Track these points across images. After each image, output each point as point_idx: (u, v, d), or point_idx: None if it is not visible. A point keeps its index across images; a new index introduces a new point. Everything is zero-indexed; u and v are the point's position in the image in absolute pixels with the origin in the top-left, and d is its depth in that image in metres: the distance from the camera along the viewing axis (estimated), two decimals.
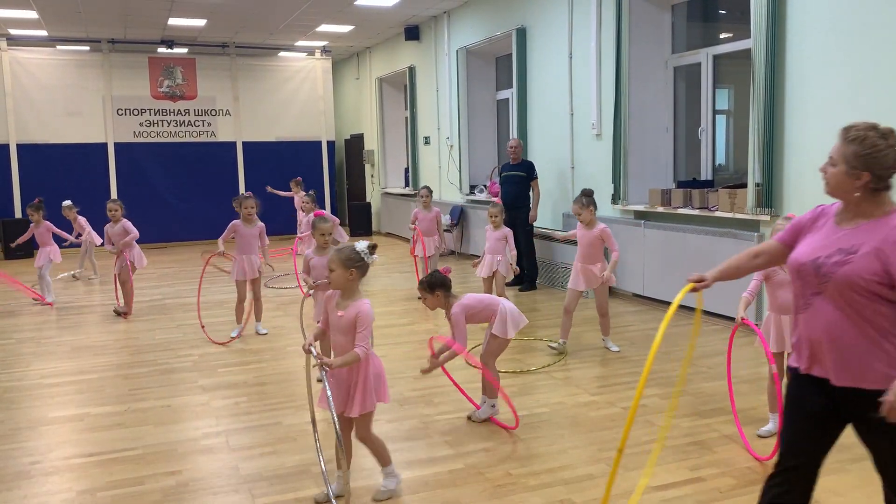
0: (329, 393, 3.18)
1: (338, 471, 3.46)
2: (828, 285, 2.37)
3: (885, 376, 2.30)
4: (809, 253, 2.45)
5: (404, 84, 14.12)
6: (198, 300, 7.27)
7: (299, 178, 12.70)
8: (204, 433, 4.39)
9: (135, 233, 7.81)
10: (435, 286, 4.25)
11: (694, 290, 2.80)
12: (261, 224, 6.90)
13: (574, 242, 6.15)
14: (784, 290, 4.03)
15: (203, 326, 6.79)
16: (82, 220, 10.15)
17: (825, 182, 2.46)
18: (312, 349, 3.28)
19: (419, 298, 4.46)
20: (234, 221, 6.80)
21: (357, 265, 3.34)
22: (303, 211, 9.63)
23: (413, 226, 8.53)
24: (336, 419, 3.12)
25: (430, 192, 8.74)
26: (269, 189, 12.92)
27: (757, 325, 4.20)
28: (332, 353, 3.43)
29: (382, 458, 3.53)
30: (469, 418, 4.51)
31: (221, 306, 8.01)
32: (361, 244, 3.41)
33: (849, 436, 4.11)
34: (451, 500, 3.49)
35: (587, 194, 6.01)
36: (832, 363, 2.39)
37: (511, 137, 9.89)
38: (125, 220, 7.85)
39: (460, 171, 11.79)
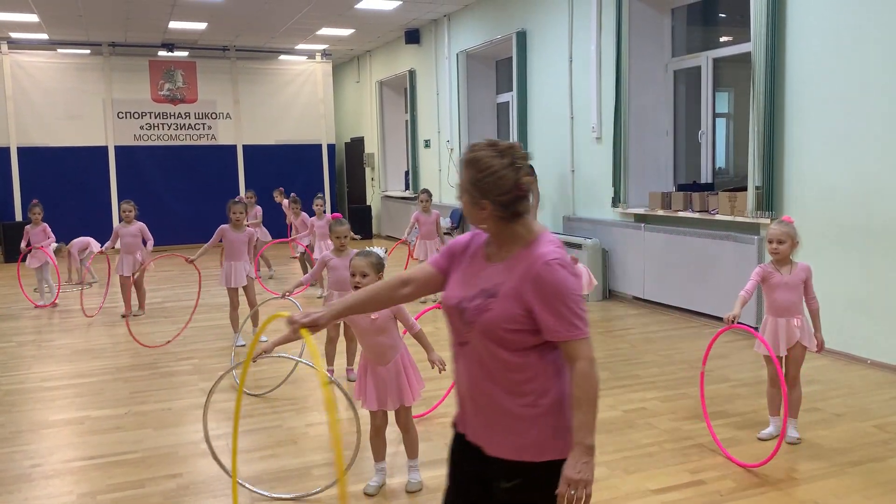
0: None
1: (378, 463, 3.67)
2: (471, 334, 1.97)
3: (536, 446, 1.94)
4: (455, 293, 2.06)
5: (404, 87, 14.13)
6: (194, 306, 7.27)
7: (280, 188, 12.68)
8: (204, 437, 4.38)
9: (151, 240, 7.96)
10: (381, 268, 4.36)
11: (298, 328, 2.11)
12: (250, 230, 6.82)
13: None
14: (781, 293, 4.03)
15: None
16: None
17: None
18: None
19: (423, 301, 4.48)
20: (222, 226, 6.75)
21: (381, 269, 3.60)
22: (293, 214, 9.81)
23: (406, 237, 8.66)
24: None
25: (430, 195, 8.75)
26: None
27: (756, 328, 4.20)
28: (371, 355, 3.57)
29: (415, 449, 3.72)
30: None
31: (220, 309, 8.00)
32: (380, 249, 3.66)
33: (846, 440, 4.12)
34: None
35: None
36: (480, 428, 2.01)
37: (511, 140, 9.89)
38: (140, 222, 7.91)
39: (460, 175, 11.78)
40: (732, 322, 3.86)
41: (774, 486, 3.57)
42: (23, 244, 8.88)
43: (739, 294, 4.01)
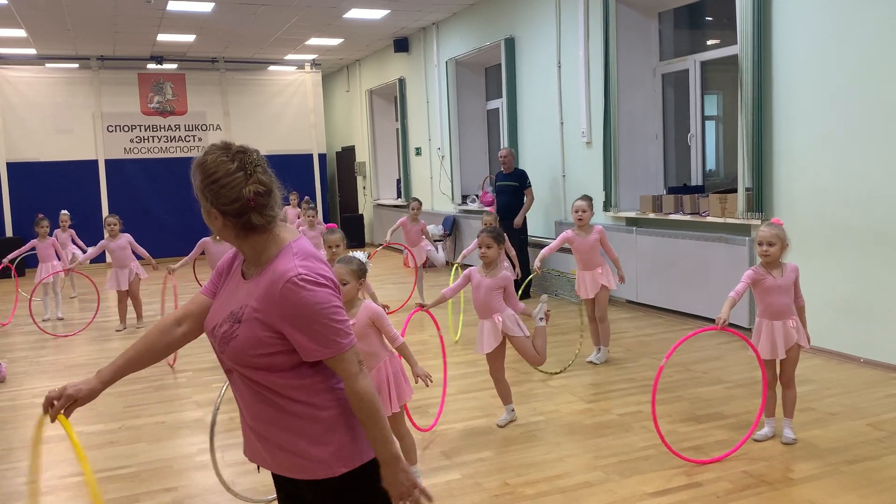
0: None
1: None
2: (230, 363, 1.86)
3: (325, 463, 1.84)
4: (211, 318, 1.92)
5: (394, 96, 14.16)
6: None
7: (294, 192, 12.81)
8: (199, 449, 4.37)
9: (145, 252, 8.00)
10: (502, 238, 4.54)
11: (54, 416, 1.90)
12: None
13: (567, 251, 6.14)
14: (775, 296, 4.04)
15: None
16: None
17: None
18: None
19: (423, 307, 4.48)
20: (203, 239, 6.73)
21: (364, 275, 3.53)
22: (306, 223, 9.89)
23: (388, 240, 8.63)
24: None
25: (420, 205, 8.78)
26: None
27: (749, 329, 4.21)
28: None
29: (412, 456, 3.72)
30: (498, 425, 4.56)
31: None
32: (362, 254, 3.57)
33: (840, 439, 4.13)
34: None
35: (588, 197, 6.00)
36: (268, 455, 1.90)
37: (502, 147, 9.92)
38: (126, 234, 7.90)
39: (452, 182, 11.81)
40: (722, 325, 3.87)
41: (771, 486, 3.58)
42: (12, 255, 8.80)
43: (728, 296, 4.02)
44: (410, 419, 4.53)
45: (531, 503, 3.51)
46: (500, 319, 4.43)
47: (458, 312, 7.35)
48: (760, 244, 4.02)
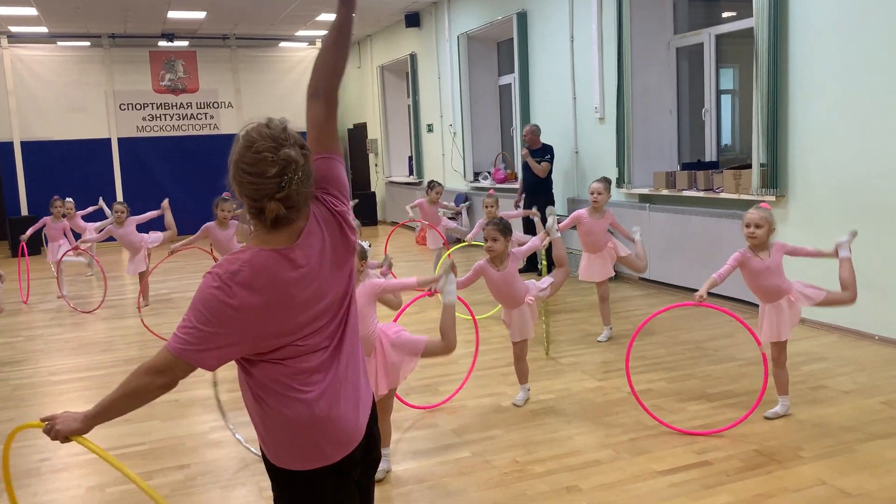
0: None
1: (383, 449, 3.60)
2: None
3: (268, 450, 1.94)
4: None
5: (406, 72, 14.06)
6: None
7: None
8: (211, 427, 4.41)
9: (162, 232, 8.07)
10: (509, 230, 4.42)
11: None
12: (233, 222, 6.81)
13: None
14: (766, 278, 4.02)
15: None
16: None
17: None
18: None
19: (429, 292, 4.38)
20: (206, 224, 6.75)
21: (365, 257, 3.56)
22: None
23: (410, 212, 8.51)
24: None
25: (442, 188, 8.66)
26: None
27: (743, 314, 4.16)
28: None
29: (387, 439, 3.71)
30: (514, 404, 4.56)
31: None
32: (365, 242, 3.59)
33: (853, 418, 4.10)
34: (458, 489, 3.49)
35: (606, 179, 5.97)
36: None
37: (519, 123, 9.81)
38: (132, 217, 7.97)
39: (464, 159, 11.75)
40: (699, 301, 3.86)
41: (781, 464, 3.56)
42: (27, 234, 8.82)
43: (712, 276, 4.01)
44: (401, 400, 4.54)
45: (540, 481, 3.52)
46: (532, 300, 4.48)
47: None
48: (748, 226, 4.00)
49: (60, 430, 1.87)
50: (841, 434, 3.89)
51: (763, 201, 4.67)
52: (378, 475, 3.57)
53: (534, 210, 7.27)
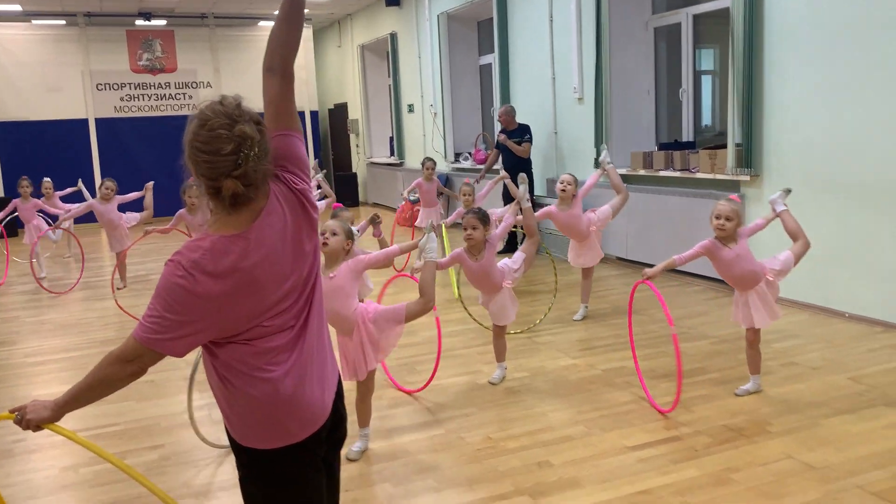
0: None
1: (362, 429, 3.72)
2: None
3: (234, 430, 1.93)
4: None
5: (386, 51, 13.97)
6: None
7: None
8: (186, 407, 4.40)
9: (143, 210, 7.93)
10: (488, 219, 4.40)
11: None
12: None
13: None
14: (738, 267, 4.07)
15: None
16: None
17: None
18: None
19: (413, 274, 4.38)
20: (179, 212, 6.73)
21: (353, 239, 3.58)
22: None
23: (405, 194, 8.49)
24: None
25: (434, 164, 8.69)
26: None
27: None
28: (336, 324, 3.53)
29: (367, 419, 3.74)
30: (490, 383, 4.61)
31: None
32: (355, 227, 3.69)
33: (820, 393, 4.17)
34: (432, 465, 3.53)
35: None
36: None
37: (499, 104, 9.80)
38: (118, 197, 7.92)
39: (444, 139, 11.72)
40: (647, 278, 3.98)
41: (749, 439, 3.63)
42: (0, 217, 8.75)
43: (673, 257, 4.08)
44: (395, 383, 4.58)
45: (512, 456, 3.56)
46: (509, 283, 4.53)
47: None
48: (718, 217, 4.04)
49: (31, 420, 1.87)
50: (808, 409, 3.97)
51: (733, 193, 4.75)
52: (353, 455, 3.61)
53: (502, 173, 7.30)
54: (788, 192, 4.27)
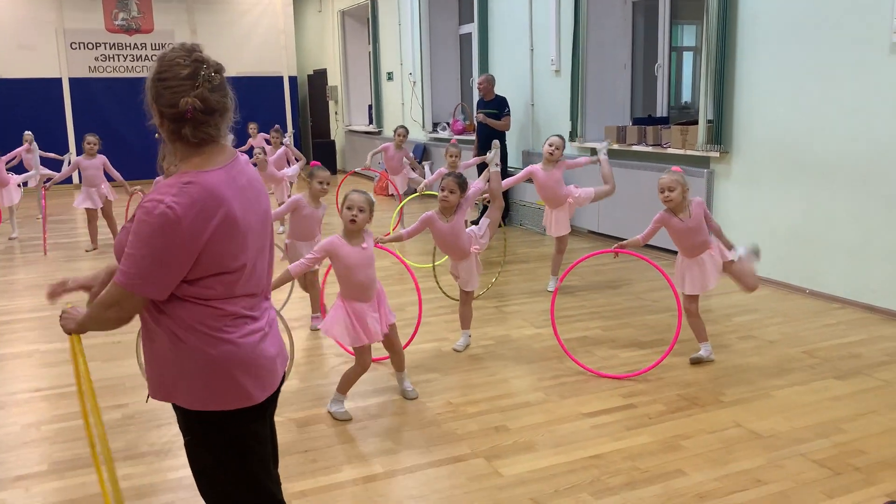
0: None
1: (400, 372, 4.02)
2: None
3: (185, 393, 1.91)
4: None
5: (367, 17, 13.83)
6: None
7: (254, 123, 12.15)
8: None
9: (118, 174, 7.94)
10: (466, 185, 4.46)
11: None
12: (101, 157, 7.62)
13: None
14: (688, 237, 4.23)
15: None
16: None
17: None
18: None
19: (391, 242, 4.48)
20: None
21: (373, 211, 3.73)
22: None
23: (367, 164, 8.44)
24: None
25: (407, 131, 8.69)
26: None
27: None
28: (358, 292, 3.65)
29: (403, 363, 4.01)
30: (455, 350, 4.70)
31: None
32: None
33: (775, 365, 4.28)
34: (392, 428, 3.60)
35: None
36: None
37: (477, 75, 9.77)
38: (102, 156, 7.89)
39: (423, 109, 11.68)
40: (614, 250, 4.28)
41: (702, 408, 3.73)
42: None
43: (636, 237, 4.30)
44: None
45: (471, 420, 3.64)
46: (477, 248, 4.59)
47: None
48: (662, 191, 4.20)
49: (64, 325, 1.99)
50: (761, 380, 4.08)
51: (676, 165, 4.93)
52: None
53: (487, 156, 7.32)
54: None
